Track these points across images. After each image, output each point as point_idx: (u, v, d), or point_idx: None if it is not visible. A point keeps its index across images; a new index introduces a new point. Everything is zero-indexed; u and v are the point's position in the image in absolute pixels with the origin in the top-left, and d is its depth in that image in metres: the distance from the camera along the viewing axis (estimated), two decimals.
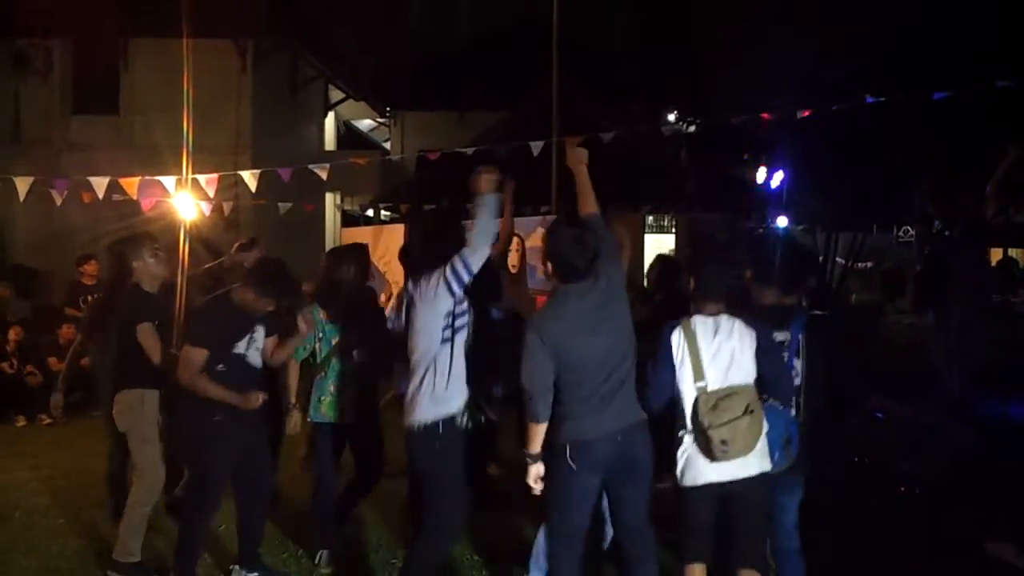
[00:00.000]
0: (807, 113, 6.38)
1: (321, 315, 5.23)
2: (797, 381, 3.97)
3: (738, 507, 3.78)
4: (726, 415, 3.65)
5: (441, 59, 22.14)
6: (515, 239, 8.30)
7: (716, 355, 3.78)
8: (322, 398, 5.18)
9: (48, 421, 9.41)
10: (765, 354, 3.80)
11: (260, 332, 4.86)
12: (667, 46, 17.67)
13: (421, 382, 4.14)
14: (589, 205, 4.07)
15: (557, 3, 11.73)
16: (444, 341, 4.13)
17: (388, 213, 19.57)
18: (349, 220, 21.42)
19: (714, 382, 3.76)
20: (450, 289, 4.10)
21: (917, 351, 7.45)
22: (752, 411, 3.64)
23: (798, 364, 3.98)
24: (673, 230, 20.85)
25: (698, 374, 3.77)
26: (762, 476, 3.75)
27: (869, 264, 21.36)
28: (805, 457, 3.92)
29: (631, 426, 3.83)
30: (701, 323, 3.85)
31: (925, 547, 4.63)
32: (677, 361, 3.83)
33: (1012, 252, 15.48)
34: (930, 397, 6.65)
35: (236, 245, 6.49)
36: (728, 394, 3.70)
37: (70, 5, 15.97)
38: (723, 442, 3.65)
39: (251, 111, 17.42)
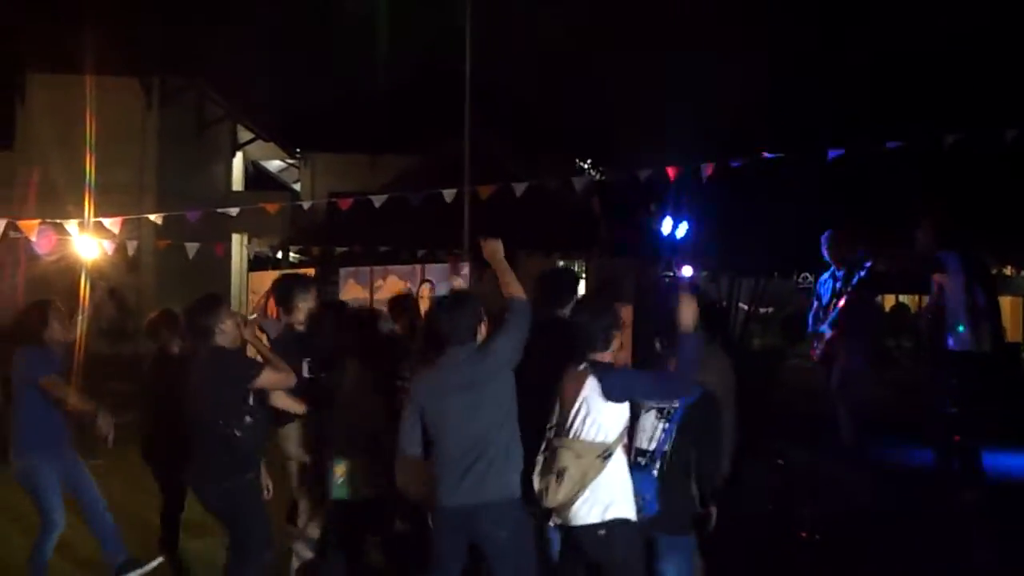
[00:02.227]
0: (710, 171, 6.61)
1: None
2: (666, 446, 3.98)
3: (591, 557, 3.85)
4: (546, 468, 3.77)
5: (353, 101, 22.12)
6: (426, 285, 8.31)
7: (564, 404, 3.85)
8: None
9: None
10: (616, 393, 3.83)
11: None
12: (578, 98, 18.09)
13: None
14: (513, 289, 4.10)
15: (470, 52, 11.89)
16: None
17: (297, 256, 19.31)
18: (257, 262, 21.05)
19: (555, 431, 3.85)
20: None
21: (817, 396, 7.68)
22: (565, 469, 3.68)
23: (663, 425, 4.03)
24: (584, 275, 21.15)
25: (551, 420, 3.90)
26: (590, 528, 3.74)
27: (770, 309, 22.03)
28: (668, 515, 3.92)
29: (489, 504, 3.83)
30: (568, 373, 3.92)
31: None
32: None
33: (903, 299, 16.22)
34: (829, 442, 6.88)
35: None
36: (555, 447, 3.79)
37: None
38: (540, 491, 3.77)
39: (157, 150, 17.08)
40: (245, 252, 21.43)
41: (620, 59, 15.75)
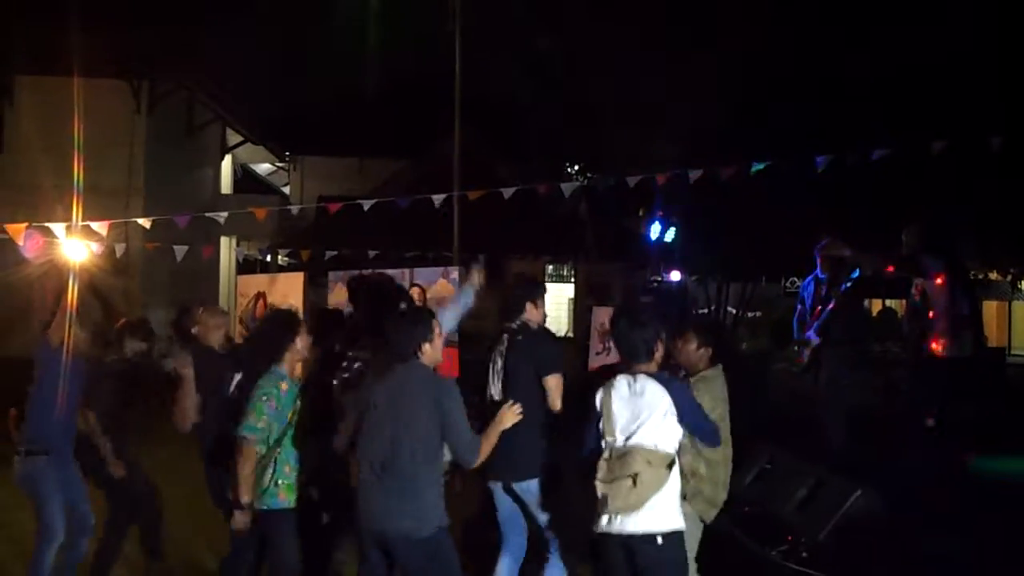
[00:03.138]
0: (699, 176, 6.66)
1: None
2: None
3: (638, 564, 3.82)
4: (612, 473, 3.76)
5: (343, 105, 22.14)
6: (416, 289, 8.31)
7: (624, 413, 3.85)
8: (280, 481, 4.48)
9: None
10: (682, 410, 3.87)
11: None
12: (568, 103, 18.14)
13: None
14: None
15: (459, 56, 11.92)
16: None
17: (286, 259, 19.30)
18: (246, 265, 21.01)
19: (618, 439, 3.84)
20: None
21: (805, 400, 7.72)
22: (638, 474, 3.71)
23: None
24: (572, 279, 21.21)
25: (608, 430, 3.86)
26: (650, 536, 3.75)
27: (758, 313, 22.13)
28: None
29: (396, 530, 3.89)
30: (619, 382, 3.93)
31: None
32: (599, 417, 3.93)
33: (890, 303, 16.30)
34: (817, 446, 6.91)
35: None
36: (623, 453, 3.78)
37: None
38: (603, 495, 3.77)
39: (145, 153, 17.00)
40: (234, 255, 21.38)
41: (608, 64, 15.81)
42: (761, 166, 6.58)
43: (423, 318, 4.16)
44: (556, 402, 4.54)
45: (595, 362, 7.79)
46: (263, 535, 4.45)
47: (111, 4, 15.27)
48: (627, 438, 3.82)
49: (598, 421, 3.93)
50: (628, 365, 3.96)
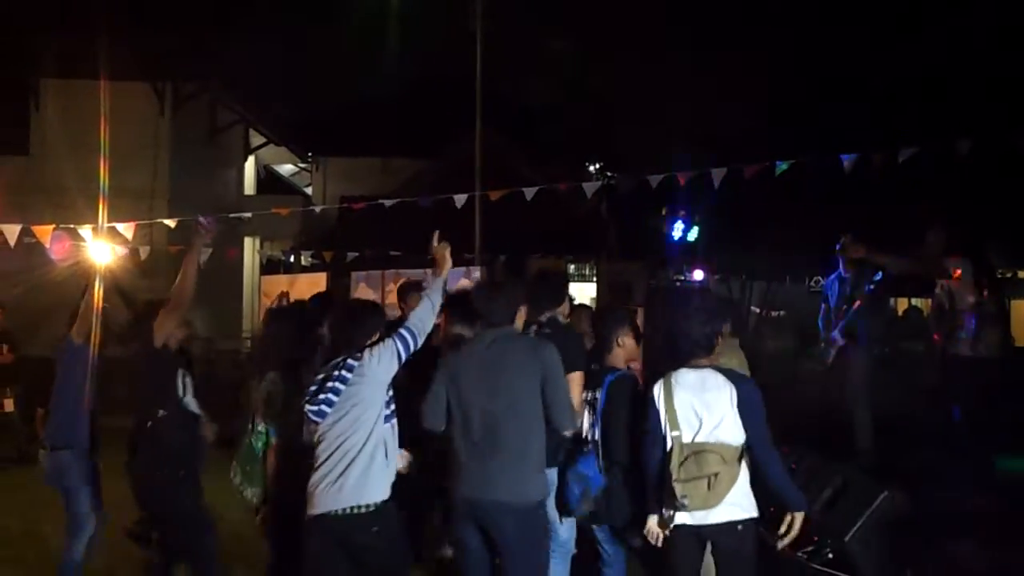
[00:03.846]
0: (723, 175, 6.62)
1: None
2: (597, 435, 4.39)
3: (717, 555, 3.85)
4: (688, 472, 3.75)
5: (364, 106, 22.21)
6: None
7: (691, 408, 3.84)
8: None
9: None
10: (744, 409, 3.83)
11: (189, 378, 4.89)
12: (589, 102, 18.12)
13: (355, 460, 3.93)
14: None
15: (480, 56, 11.92)
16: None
17: (309, 260, 19.39)
18: (269, 266, 21.12)
19: (688, 435, 3.82)
20: (399, 360, 4.02)
21: (831, 400, 7.65)
22: (717, 473, 3.72)
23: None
24: (594, 279, 21.15)
25: (673, 425, 3.84)
26: (730, 525, 3.78)
27: (782, 313, 21.97)
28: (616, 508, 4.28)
29: (495, 500, 3.88)
30: (683, 376, 3.91)
31: None
32: (659, 412, 3.91)
33: (915, 302, 16.14)
34: (844, 447, 6.86)
35: None
36: (698, 451, 3.77)
37: None
38: (682, 496, 3.75)
39: (169, 155, 17.14)
40: (257, 256, 21.50)
41: (630, 63, 15.77)
42: (786, 165, 6.52)
43: (512, 285, 4.27)
44: (575, 399, 4.51)
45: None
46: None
47: (135, 7, 15.39)
48: (697, 434, 3.81)
49: (657, 416, 3.90)
50: (685, 360, 3.93)
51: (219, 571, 4.98)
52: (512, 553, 3.91)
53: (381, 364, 3.95)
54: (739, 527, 3.78)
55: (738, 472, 3.79)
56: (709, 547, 3.90)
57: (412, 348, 4.02)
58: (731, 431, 3.79)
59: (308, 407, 3.92)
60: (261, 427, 4.71)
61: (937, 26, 12.73)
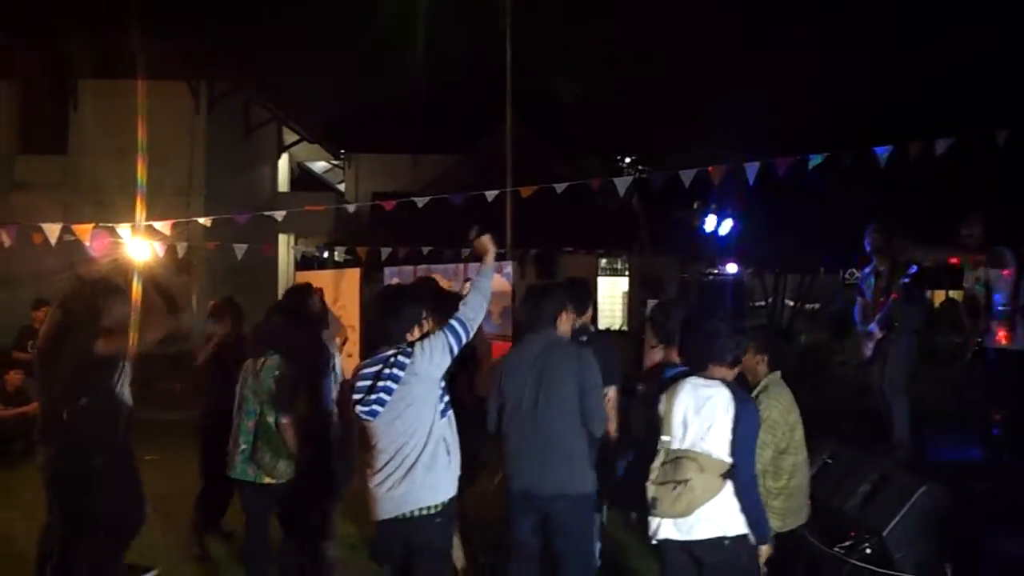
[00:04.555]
0: (755, 168, 6.57)
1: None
2: None
3: (707, 572, 3.78)
4: (664, 476, 3.73)
5: (396, 103, 22.31)
6: (470, 284, 8.35)
7: (687, 416, 3.78)
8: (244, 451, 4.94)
9: None
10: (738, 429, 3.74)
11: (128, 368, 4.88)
12: (620, 95, 18.04)
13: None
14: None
15: (510, 51, 11.91)
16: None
17: (343, 256, 19.54)
18: (303, 262, 21.31)
19: (676, 442, 3.77)
20: (451, 353, 3.88)
21: (867, 393, 7.58)
22: (687, 480, 3.64)
23: None
24: (626, 273, 21.11)
25: (666, 430, 3.82)
26: (716, 541, 3.70)
27: (817, 305, 21.79)
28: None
29: (550, 488, 4.03)
30: (690, 383, 3.84)
31: None
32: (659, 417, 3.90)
33: (952, 294, 15.93)
34: (881, 441, 6.79)
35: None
36: (679, 456, 3.72)
37: (18, 44, 15.85)
38: (653, 499, 3.74)
39: (204, 152, 17.35)
40: (292, 252, 21.71)
41: (661, 57, 15.68)
42: (820, 159, 6.45)
43: (557, 290, 4.35)
44: (610, 408, 4.65)
45: (650, 356, 7.75)
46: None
47: (169, 7, 15.58)
48: (683, 441, 3.76)
49: (657, 420, 3.90)
50: (703, 367, 3.86)
51: None
52: (566, 535, 4.12)
53: (433, 360, 3.79)
54: (726, 542, 3.70)
55: (718, 487, 3.68)
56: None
57: (464, 340, 3.88)
58: (718, 444, 3.70)
59: (359, 408, 3.77)
60: (257, 407, 4.91)
61: (975, 14, 12.53)
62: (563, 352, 4.21)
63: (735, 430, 3.68)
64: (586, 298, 5.08)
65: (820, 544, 4.92)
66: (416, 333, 3.88)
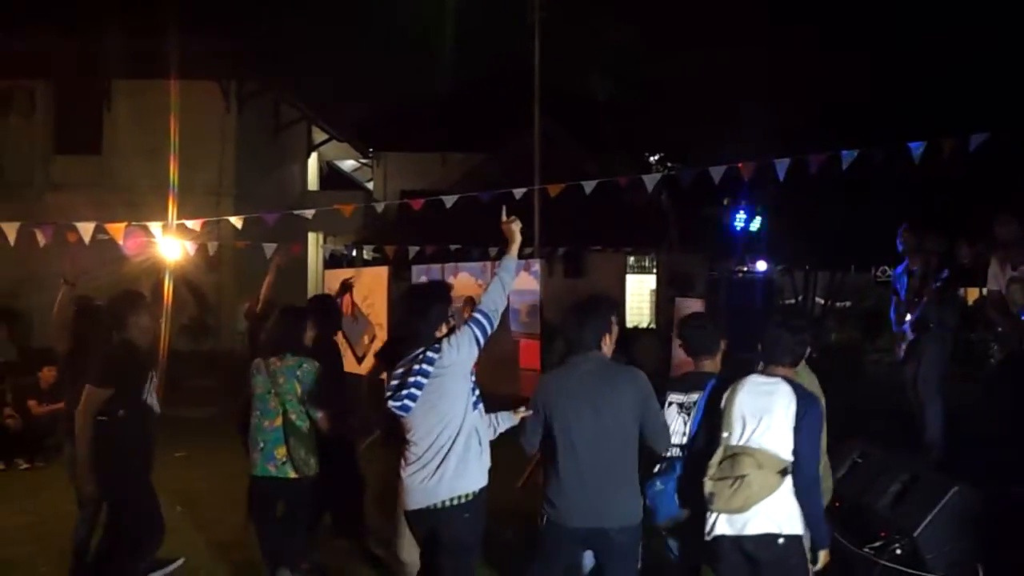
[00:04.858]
0: (785, 164, 6.50)
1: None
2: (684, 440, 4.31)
3: (759, 569, 3.76)
4: (722, 472, 3.74)
5: (424, 101, 22.39)
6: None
7: (747, 413, 3.80)
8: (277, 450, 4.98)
9: (26, 466, 9.29)
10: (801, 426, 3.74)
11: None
12: (649, 92, 17.96)
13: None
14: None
15: (538, 49, 11.89)
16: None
17: (372, 254, 19.64)
18: (332, 261, 21.44)
19: (735, 438, 3.80)
20: (479, 345, 3.99)
21: (899, 393, 7.51)
22: (745, 476, 3.66)
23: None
24: (655, 271, 21.02)
25: (727, 427, 3.84)
26: (769, 537, 3.70)
27: (848, 303, 21.57)
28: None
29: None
30: (752, 380, 3.88)
31: None
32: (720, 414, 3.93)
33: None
34: (913, 441, 6.72)
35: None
36: (738, 452, 3.74)
37: (52, 45, 16.09)
38: (710, 494, 3.75)
39: (235, 152, 17.51)
40: (321, 251, 21.85)
41: (690, 53, 15.58)
42: (853, 155, 6.37)
43: (603, 308, 4.17)
44: None
45: (678, 354, 7.71)
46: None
47: (200, 7, 15.74)
48: (742, 437, 3.78)
49: (720, 417, 3.90)
50: (764, 366, 3.90)
51: None
52: (621, 568, 3.99)
53: (461, 353, 3.89)
54: (779, 540, 3.69)
55: (776, 484, 3.68)
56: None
57: (489, 330, 3.97)
58: (777, 442, 3.71)
59: (392, 403, 3.87)
60: (279, 407, 4.94)
61: (1008, 6, 12.32)
62: (617, 376, 4.02)
63: (798, 428, 3.71)
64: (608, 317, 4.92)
65: (850, 544, 4.88)
66: (444, 330, 3.98)
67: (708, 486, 3.76)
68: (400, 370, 3.92)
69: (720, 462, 3.78)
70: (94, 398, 4.70)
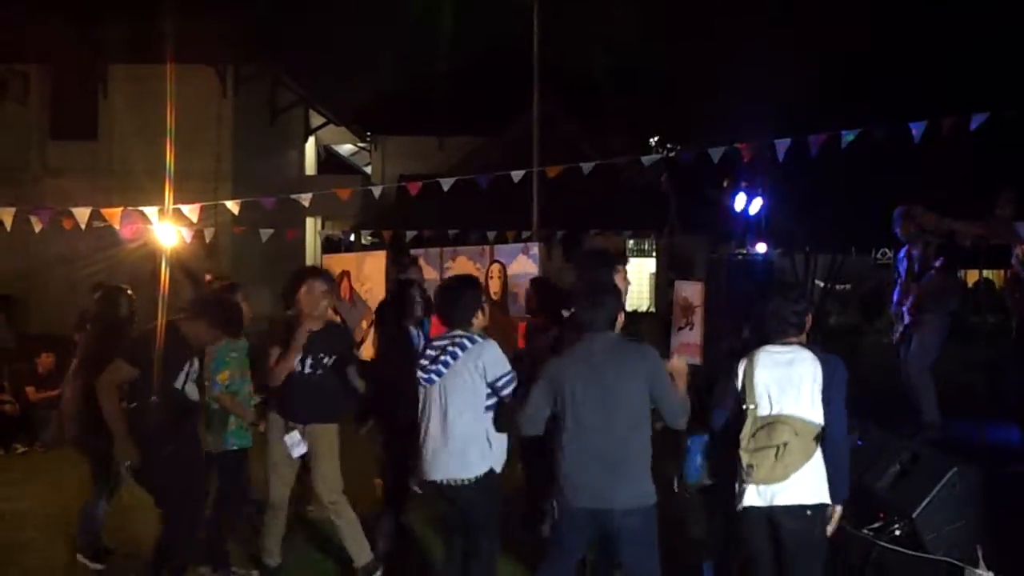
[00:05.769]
0: (785, 144, 6.46)
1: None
2: None
3: (783, 538, 3.80)
4: (758, 442, 3.76)
5: (422, 85, 22.26)
6: (496, 266, 8.36)
7: (771, 383, 3.83)
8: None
9: (23, 451, 9.30)
10: (828, 387, 3.81)
11: (197, 365, 5.00)
12: (648, 74, 17.89)
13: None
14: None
15: (537, 31, 11.83)
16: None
17: (369, 239, 19.59)
18: (330, 245, 21.38)
19: (763, 409, 3.82)
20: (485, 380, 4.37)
21: (897, 375, 7.50)
22: (786, 443, 3.68)
23: None
24: (654, 253, 20.98)
25: (750, 399, 3.86)
26: (799, 508, 3.75)
27: (848, 286, 21.54)
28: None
29: (619, 503, 3.87)
30: (769, 351, 3.92)
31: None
32: (738, 386, 3.96)
33: (987, 273, 15.69)
34: (911, 421, 6.71)
35: (219, 286, 6.31)
36: (771, 422, 3.76)
37: (48, 30, 15.99)
38: (748, 466, 3.77)
39: (232, 136, 17.43)
40: (318, 235, 21.79)
41: (690, 34, 15.50)
42: (853, 135, 6.32)
43: (613, 288, 4.19)
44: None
45: (678, 338, 7.70)
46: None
47: None
48: (773, 407, 3.79)
49: (736, 391, 3.93)
50: (774, 337, 3.93)
51: None
52: (636, 552, 3.96)
53: (482, 359, 4.24)
54: (808, 511, 3.74)
55: (812, 450, 3.73)
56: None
57: (509, 390, 4.29)
58: (809, 408, 3.76)
59: (420, 373, 4.32)
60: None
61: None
62: (627, 354, 3.98)
63: (826, 390, 3.78)
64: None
65: (848, 526, 4.87)
66: (480, 317, 4.41)
67: (745, 458, 3.77)
68: (438, 343, 4.35)
69: (754, 433, 3.78)
70: (116, 371, 4.68)
